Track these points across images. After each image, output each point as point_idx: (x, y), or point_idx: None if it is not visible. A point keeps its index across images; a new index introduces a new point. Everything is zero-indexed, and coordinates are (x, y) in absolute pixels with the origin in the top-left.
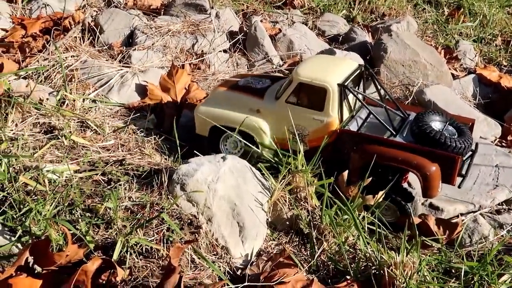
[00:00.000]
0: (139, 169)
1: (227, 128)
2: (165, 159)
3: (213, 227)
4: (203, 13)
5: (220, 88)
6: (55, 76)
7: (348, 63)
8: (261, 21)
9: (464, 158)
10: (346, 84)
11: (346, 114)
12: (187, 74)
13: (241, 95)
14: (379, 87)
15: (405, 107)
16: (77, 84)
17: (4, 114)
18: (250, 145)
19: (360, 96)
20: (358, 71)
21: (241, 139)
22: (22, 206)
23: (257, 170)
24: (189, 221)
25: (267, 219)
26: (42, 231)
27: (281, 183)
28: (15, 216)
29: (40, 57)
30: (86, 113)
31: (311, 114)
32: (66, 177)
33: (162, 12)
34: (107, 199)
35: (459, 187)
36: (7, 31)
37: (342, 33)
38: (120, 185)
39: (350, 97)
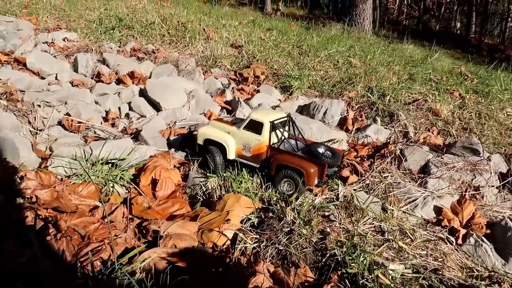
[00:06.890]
0: (449, 282)
1: (212, 140)
2: (469, 275)
3: None
4: (477, 155)
5: (213, 121)
6: (377, 188)
7: (280, 113)
8: None
9: (333, 170)
10: (275, 122)
11: (274, 139)
12: (473, 204)
13: (222, 124)
14: (295, 129)
15: (308, 141)
16: (393, 198)
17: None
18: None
19: (283, 132)
20: (286, 118)
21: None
22: None
23: None
24: None
25: None
26: None
27: None
28: None
29: (368, 176)
30: (402, 222)
31: (254, 136)
32: (400, 276)
33: (444, 149)
34: None
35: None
36: None
37: None
38: None
39: (279, 133)
